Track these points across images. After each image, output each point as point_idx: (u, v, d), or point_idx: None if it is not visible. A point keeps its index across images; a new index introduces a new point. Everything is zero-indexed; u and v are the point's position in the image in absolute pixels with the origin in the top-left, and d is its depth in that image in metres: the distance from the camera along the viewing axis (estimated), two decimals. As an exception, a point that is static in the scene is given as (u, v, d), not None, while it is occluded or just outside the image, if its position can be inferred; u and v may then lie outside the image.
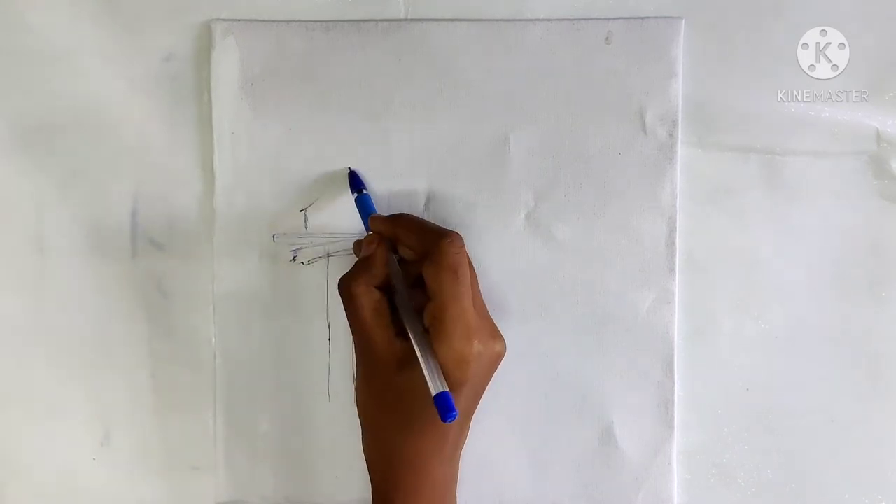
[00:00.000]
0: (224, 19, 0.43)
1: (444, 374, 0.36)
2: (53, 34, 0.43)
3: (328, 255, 0.43)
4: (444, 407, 0.34)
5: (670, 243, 0.43)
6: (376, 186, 0.43)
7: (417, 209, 0.43)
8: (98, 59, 0.43)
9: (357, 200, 0.42)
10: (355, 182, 0.42)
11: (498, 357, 0.38)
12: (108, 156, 0.44)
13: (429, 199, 0.43)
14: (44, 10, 0.43)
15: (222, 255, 0.44)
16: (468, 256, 0.39)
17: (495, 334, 0.38)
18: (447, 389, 0.34)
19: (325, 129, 0.43)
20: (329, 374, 0.44)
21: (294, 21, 0.43)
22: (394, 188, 0.43)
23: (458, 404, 0.36)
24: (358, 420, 0.39)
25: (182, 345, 0.44)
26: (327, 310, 0.44)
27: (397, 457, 0.38)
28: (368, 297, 0.38)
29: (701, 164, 0.43)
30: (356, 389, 0.40)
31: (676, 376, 0.43)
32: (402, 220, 0.40)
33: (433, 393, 0.34)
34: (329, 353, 0.44)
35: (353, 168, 0.43)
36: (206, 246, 0.44)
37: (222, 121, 0.43)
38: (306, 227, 0.43)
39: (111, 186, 0.44)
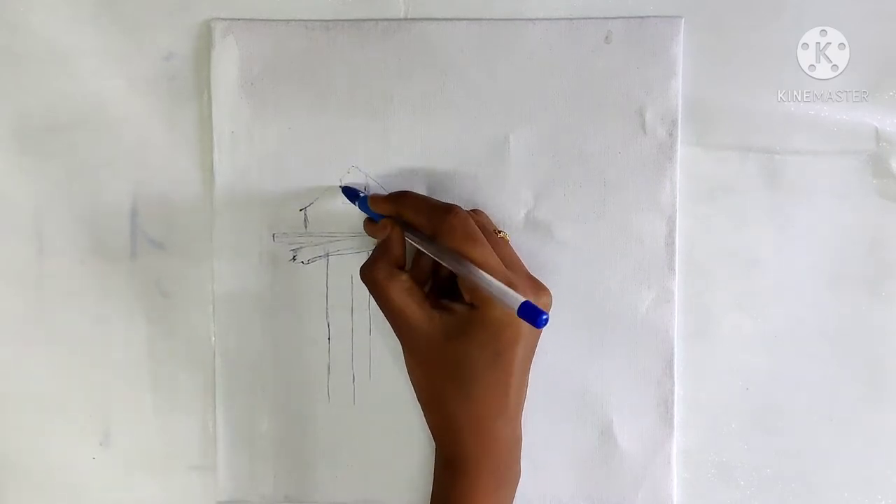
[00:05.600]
0: (224, 19, 0.43)
1: (497, 336, 0.36)
2: (53, 34, 0.43)
3: (328, 255, 0.43)
4: (531, 316, 0.32)
5: (670, 243, 0.43)
6: (376, 186, 0.43)
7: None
8: (98, 59, 0.43)
9: (361, 206, 0.42)
10: (350, 193, 0.42)
11: (545, 307, 0.38)
12: (107, 155, 0.44)
13: (429, 199, 0.43)
14: (44, 10, 0.43)
15: (222, 254, 0.44)
16: (489, 219, 0.40)
17: (537, 286, 0.38)
18: (525, 298, 0.33)
19: (325, 129, 0.43)
20: (329, 373, 0.44)
21: (294, 20, 0.43)
22: (393, 188, 0.43)
23: (515, 360, 0.37)
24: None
25: (182, 345, 0.44)
26: (327, 309, 0.44)
27: (461, 422, 0.38)
28: (393, 280, 0.38)
29: (700, 164, 0.43)
30: (407, 369, 0.40)
31: (676, 375, 0.43)
32: (405, 201, 0.40)
33: (514, 308, 0.33)
34: (329, 353, 0.44)
35: (342, 184, 0.43)
36: (206, 246, 0.44)
37: (222, 120, 0.43)
38: (306, 227, 0.43)
39: (111, 186, 0.44)
